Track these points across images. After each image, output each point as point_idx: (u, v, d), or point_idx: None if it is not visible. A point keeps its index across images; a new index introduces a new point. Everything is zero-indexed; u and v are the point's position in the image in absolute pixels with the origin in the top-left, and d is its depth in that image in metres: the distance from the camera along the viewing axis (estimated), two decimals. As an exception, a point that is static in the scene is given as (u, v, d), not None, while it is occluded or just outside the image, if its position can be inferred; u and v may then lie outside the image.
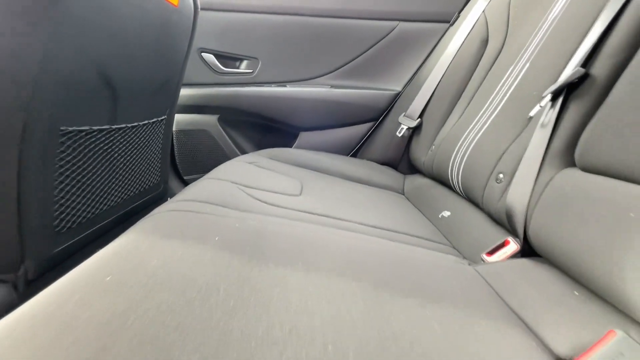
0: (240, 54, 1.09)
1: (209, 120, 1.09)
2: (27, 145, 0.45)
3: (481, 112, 0.69)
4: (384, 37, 1.08)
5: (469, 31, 0.91)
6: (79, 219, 0.58)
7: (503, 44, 0.77)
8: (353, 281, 0.31)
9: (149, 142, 0.78)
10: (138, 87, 0.67)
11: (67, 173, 0.53)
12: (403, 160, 1.03)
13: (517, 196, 0.46)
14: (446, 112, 0.86)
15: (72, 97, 0.51)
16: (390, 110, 1.08)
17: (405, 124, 0.98)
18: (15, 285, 0.48)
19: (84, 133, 0.55)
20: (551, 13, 0.64)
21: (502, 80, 0.68)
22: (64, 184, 0.53)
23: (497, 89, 0.68)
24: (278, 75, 1.11)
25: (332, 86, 1.10)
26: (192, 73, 1.06)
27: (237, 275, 0.28)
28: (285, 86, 1.10)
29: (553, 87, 0.46)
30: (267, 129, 1.12)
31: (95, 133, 0.58)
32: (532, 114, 0.49)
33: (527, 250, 0.45)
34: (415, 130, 0.97)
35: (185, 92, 1.05)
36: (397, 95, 1.08)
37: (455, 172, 0.69)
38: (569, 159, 0.42)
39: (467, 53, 0.87)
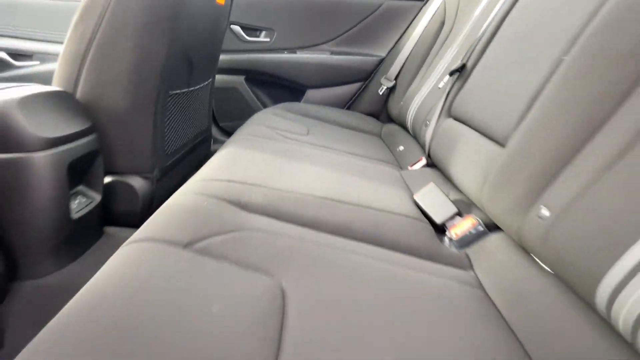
0: (260, 25, 1.40)
1: (237, 80, 1.43)
2: (157, 105, 0.82)
3: (429, 79, 1.03)
4: (373, 12, 1.37)
5: (433, 13, 1.20)
6: (173, 147, 0.97)
7: (451, 28, 1.09)
8: (331, 170, 0.69)
9: (203, 98, 1.14)
10: (201, 61, 1.02)
11: (170, 118, 0.91)
12: (382, 113, 1.38)
13: (429, 133, 0.83)
14: (412, 77, 1.19)
15: (173, 73, 0.86)
16: (375, 72, 1.41)
17: (384, 85, 1.31)
18: (152, 181, 0.87)
19: (177, 94, 0.91)
20: (476, 12, 0.95)
21: (444, 58, 1.01)
22: (168, 126, 0.91)
23: (439, 64, 1.01)
24: (290, 43, 1.42)
25: (331, 52, 1.42)
26: (223, 42, 1.38)
27: (284, 160, 0.66)
28: (295, 52, 1.42)
29: (450, 70, 0.80)
30: (281, 87, 1.46)
31: (182, 94, 0.94)
32: (440, 85, 0.84)
33: (430, 163, 0.83)
34: (392, 90, 1.31)
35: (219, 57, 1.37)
36: (382, 61, 1.40)
37: (410, 120, 1.05)
38: (450, 113, 0.78)
39: (430, 32, 1.18)
